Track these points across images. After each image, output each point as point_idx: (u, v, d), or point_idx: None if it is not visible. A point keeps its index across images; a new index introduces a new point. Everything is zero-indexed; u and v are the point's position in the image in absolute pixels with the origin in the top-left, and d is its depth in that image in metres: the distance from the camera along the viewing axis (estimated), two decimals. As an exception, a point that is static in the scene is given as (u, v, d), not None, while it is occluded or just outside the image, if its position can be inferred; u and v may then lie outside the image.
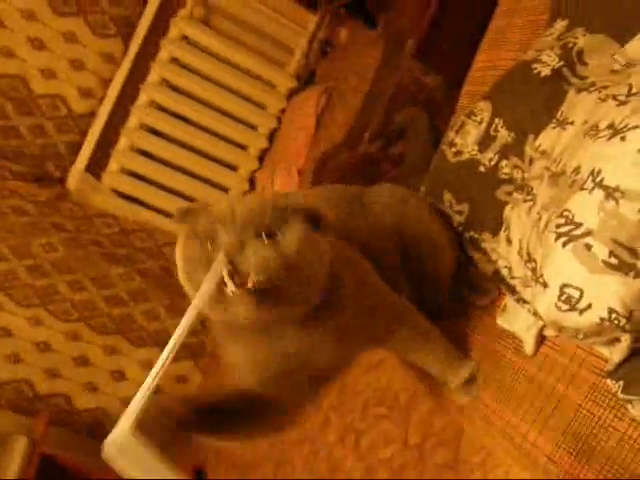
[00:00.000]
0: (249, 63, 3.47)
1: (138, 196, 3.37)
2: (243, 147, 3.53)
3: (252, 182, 3.55)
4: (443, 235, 1.11)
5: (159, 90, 3.34)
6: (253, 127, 3.53)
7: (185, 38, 3.37)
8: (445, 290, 1.13)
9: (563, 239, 0.73)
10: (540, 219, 0.83)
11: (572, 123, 0.88)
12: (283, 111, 3.55)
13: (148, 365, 3.52)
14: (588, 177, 0.73)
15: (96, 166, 3.34)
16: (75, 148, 3.33)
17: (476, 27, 1.36)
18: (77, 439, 3.33)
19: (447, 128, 1.42)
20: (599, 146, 0.74)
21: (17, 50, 3.11)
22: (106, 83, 3.32)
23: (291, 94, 3.56)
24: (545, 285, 0.76)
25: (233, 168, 3.53)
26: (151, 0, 3.28)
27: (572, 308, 0.73)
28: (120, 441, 0.54)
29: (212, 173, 3.47)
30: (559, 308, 0.74)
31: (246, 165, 3.52)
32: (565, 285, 0.73)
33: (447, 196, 1.13)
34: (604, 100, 0.85)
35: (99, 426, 3.38)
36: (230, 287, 0.75)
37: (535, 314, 0.88)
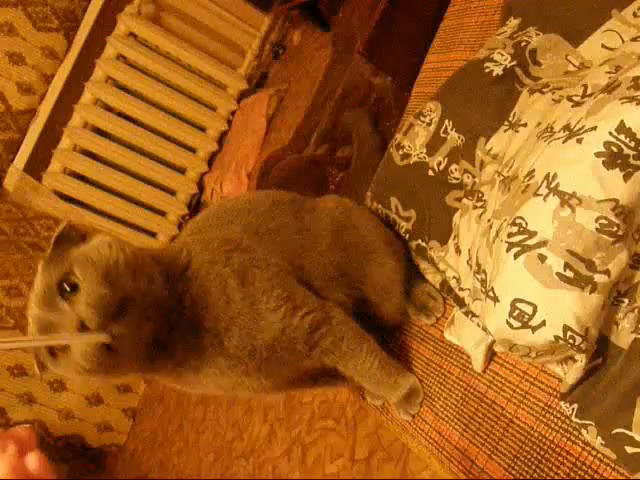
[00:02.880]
0: (199, 63, 3.38)
1: (80, 198, 3.23)
2: (192, 149, 3.43)
3: (201, 185, 3.45)
4: (384, 242, 1.05)
5: (104, 88, 3.21)
6: (202, 129, 3.44)
7: (132, 35, 3.25)
8: (397, 300, 1.06)
9: (515, 249, 0.67)
10: (491, 227, 0.77)
11: (525, 125, 0.83)
12: (233, 113, 3.47)
13: (89, 375, 3.38)
14: (542, 182, 0.67)
15: (36, 166, 3.19)
16: (14, 147, 3.17)
17: (427, 27, 1.31)
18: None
19: (395, 131, 1.36)
20: (554, 149, 0.69)
21: (-50, 42, 2.95)
22: (47, 79, 3.17)
23: (242, 96, 3.48)
24: (495, 300, 0.69)
25: (181, 171, 3.43)
26: (97, -6, 3.15)
27: (524, 325, 0.67)
28: None
29: (159, 176, 3.36)
30: (510, 325, 0.68)
31: (195, 168, 3.43)
32: (517, 300, 0.67)
33: (394, 201, 1.06)
34: (558, 101, 0.80)
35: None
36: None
37: (485, 329, 0.82)
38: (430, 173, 1.00)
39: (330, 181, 1.44)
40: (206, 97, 3.41)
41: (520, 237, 0.67)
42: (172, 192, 3.41)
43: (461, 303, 0.90)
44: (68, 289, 0.74)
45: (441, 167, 0.99)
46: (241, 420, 2.44)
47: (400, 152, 1.05)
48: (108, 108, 3.26)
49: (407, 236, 1.05)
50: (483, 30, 1.19)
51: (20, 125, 3.18)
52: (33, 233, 3.28)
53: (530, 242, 0.66)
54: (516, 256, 0.67)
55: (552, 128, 0.73)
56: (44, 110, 3.16)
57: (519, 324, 0.67)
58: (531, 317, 0.66)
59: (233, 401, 2.54)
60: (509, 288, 0.68)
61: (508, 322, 0.68)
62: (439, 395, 0.95)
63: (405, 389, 1.00)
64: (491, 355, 0.88)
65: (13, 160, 3.16)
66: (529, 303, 0.66)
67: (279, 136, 3.11)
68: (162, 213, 3.40)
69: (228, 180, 3.11)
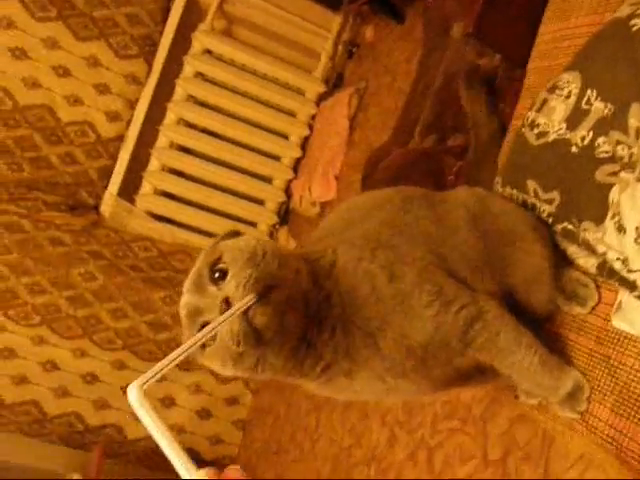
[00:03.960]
0: (275, 71, 3.38)
1: (173, 217, 3.30)
2: (276, 158, 3.44)
3: (288, 192, 3.45)
4: (528, 228, 0.98)
5: (186, 107, 3.27)
6: (285, 136, 3.44)
7: (208, 52, 3.30)
8: (547, 289, 0.98)
9: None
10: (673, 198, 0.69)
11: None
12: (314, 117, 3.45)
13: (197, 389, 3.44)
14: None
15: (129, 190, 3.29)
16: (106, 173, 3.28)
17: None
18: (133, 469, 3.26)
19: (512, 111, 1.28)
20: None
21: (41, 79, 3.07)
22: (132, 105, 3.26)
23: (320, 99, 3.46)
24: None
25: (268, 180, 3.44)
26: (171, 16, 3.21)
27: None
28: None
29: (247, 187, 3.38)
30: None
31: (281, 176, 3.43)
32: None
33: (531, 184, 0.99)
34: None
35: (152, 454, 3.29)
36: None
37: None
38: (573, 150, 0.92)
39: (447, 172, 1.37)
40: (285, 104, 3.41)
41: None
42: (261, 202, 3.43)
43: (631, 286, 0.82)
44: (217, 274, 0.75)
45: (586, 142, 0.91)
46: (357, 426, 2.40)
47: (535, 131, 0.98)
48: (191, 126, 3.32)
49: (550, 220, 0.97)
50: (606, -11, 1.09)
51: (111, 152, 3.28)
52: (132, 255, 3.37)
53: None
54: None
55: None
56: (132, 135, 3.25)
57: None
58: None
59: (347, 407, 2.51)
60: None
61: None
62: (612, 389, 0.87)
63: (569, 386, 0.93)
64: (674, 341, 0.80)
65: (107, 186, 3.26)
66: None
67: (364, 135, 3.06)
68: (253, 224, 3.42)
69: (316, 184, 3.09)
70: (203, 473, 0.40)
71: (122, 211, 3.31)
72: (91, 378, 3.28)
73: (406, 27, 3.03)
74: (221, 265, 0.75)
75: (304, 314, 0.78)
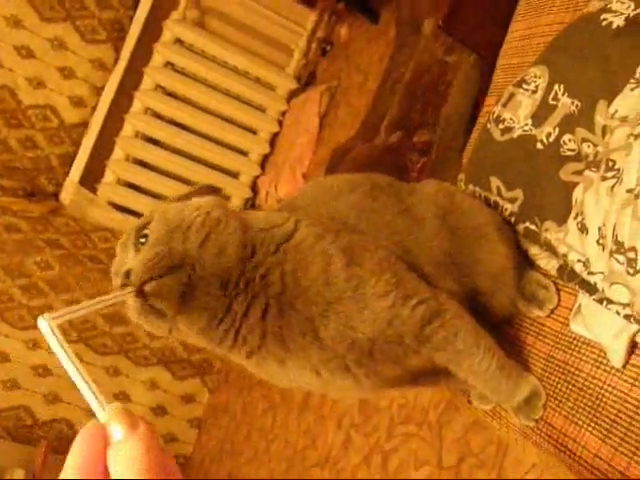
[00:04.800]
0: (247, 65, 3.33)
1: (136, 208, 3.20)
2: (244, 153, 3.38)
3: (254, 189, 3.39)
4: (492, 227, 0.94)
5: (154, 96, 3.19)
6: (253, 132, 3.38)
7: (179, 41, 3.22)
8: (509, 290, 0.95)
9: (688, 217, 0.56)
10: (637, 197, 0.66)
11: (666, 77, 0.72)
12: (284, 114, 3.40)
13: (153, 385, 3.35)
14: None
15: (91, 178, 3.19)
16: (68, 160, 3.18)
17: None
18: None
19: (479, 109, 1.26)
20: None
21: (3, 59, 2.96)
22: (98, 91, 3.17)
23: (291, 96, 3.41)
24: (665, 279, 0.59)
25: (234, 175, 3.38)
26: (143, 2, 3.13)
27: None
28: None
29: (213, 182, 3.29)
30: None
31: (248, 171, 3.37)
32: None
33: (494, 182, 0.95)
34: None
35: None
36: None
37: (631, 317, 0.71)
38: (539, 146, 0.89)
39: (411, 168, 1.34)
40: (255, 99, 3.36)
41: (694, 202, 0.56)
42: (226, 198, 3.37)
43: (591, 289, 0.79)
44: (142, 240, 0.74)
45: (551, 139, 0.88)
46: (313, 427, 2.36)
47: (500, 126, 0.94)
48: (158, 116, 3.24)
49: (513, 219, 0.94)
50: (578, -12, 1.07)
51: (73, 138, 3.19)
52: (91, 245, 3.28)
53: None
54: (691, 225, 0.56)
55: None
56: (96, 122, 3.16)
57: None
58: None
59: (303, 408, 2.46)
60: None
61: (685, 305, 0.57)
62: (567, 396, 0.84)
63: (526, 392, 0.89)
64: (632, 347, 0.77)
65: (68, 173, 3.16)
66: None
67: (333, 133, 3.03)
68: (217, 219, 3.36)
69: (283, 181, 3.04)
70: (115, 406, 0.38)
71: (83, 200, 3.21)
72: (43, 371, 3.18)
73: (380, 28, 3.01)
74: (146, 231, 0.74)
75: (224, 293, 0.74)
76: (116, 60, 3.17)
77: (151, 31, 3.18)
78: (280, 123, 3.40)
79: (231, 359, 0.83)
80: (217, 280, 0.73)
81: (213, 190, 0.84)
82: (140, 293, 0.69)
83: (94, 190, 3.18)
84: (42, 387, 3.17)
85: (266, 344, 0.77)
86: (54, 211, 3.19)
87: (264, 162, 3.41)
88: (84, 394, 0.39)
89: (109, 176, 3.18)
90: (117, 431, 0.36)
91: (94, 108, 3.17)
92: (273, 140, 3.41)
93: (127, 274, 0.70)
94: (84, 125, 3.19)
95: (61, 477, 0.36)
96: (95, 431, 0.37)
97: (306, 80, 3.49)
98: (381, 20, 3.02)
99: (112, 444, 0.36)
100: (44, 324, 0.40)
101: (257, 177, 3.38)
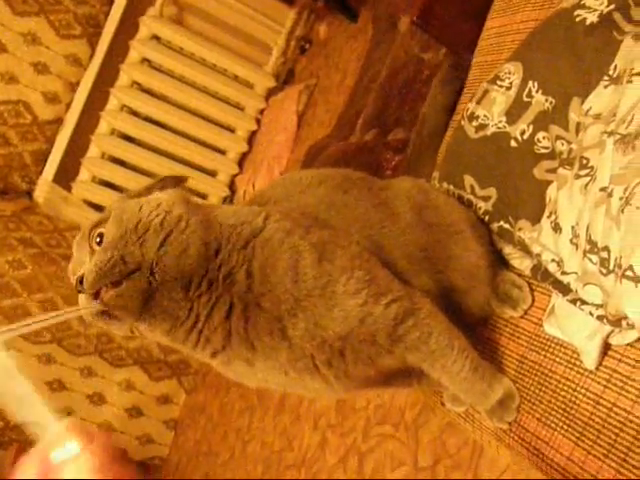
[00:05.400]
0: (225, 63, 3.29)
1: (111, 206, 3.15)
2: (222, 151, 3.35)
3: (232, 187, 3.36)
4: (466, 225, 0.93)
5: (130, 93, 3.14)
6: (231, 130, 3.35)
7: (156, 38, 3.18)
8: (484, 288, 0.94)
9: (663, 216, 0.55)
10: (610, 195, 0.64)
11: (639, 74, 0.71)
12: (262, 112, 3.38)
13: (129, 386, 3.30)
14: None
15: (65, 176, 3.13)
16: (42, 157, 3.12)
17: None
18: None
19: (455, 106, 1.24)
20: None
21: (-26, 54, 2.89)
22: (73, 87, 3.11)
23: (270, 94, 3.39)
24: (637, 280, 0.57)
25: (212, 174, 3.35)
26: (118, -2, 3.08)
27: (681, 309, 0.54)
28: None
29: (190, 180, 3.26)
30: (662, 310, 0.56)
31: (226, 170, 3.34)
32: (669, 277, 0.55)
33: (468, 180, 0.94)
34: (682, 42, 0.67)
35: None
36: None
37: (604, 319, 0.70)
38: (513, 144, 0.88)
39: (386, 166, 1.32)
40: (233, 97, 3.33)
41: (667, 200, 0.55)
42: (204, 196, 3.33)
43: (565, 289, 0.78)
44: (97, 239, 0.71)
45: (525, 136, 0.86)
46: (289, 428, 2.33)
47: (474, 123, 0.93)
48: (135, 113, 3.20)
49: (487, 218, 0.92)
50: (554, -16, 1.06)
51: (47, 135, 3.12)
52: (65, 244, 3.21)
53: (682, 205, 0.54)
54: (664, 224, 0.55)
55: (685, 70, 0.61)
56: (71, 119, 3.10)
57: (673, 308, 0.55)
58: (690, 299, 0.54)
59: (280, 409, 2.44)
60: (657, 264, 0.56)
61: (658, 306, 0.56)
62: (541, 398, 0.83)
63: (499, 394, 0.88)
64: (605, 349, 0.76)
65: (42, 171, 3.11)
66: (686, 281, 0.54)
67: (311, 132, 3.01)
68: (194, 218, 3.32)
69: (261, 180, 3.01)
70: (69, 420, 0.39)
71: (57, 198, 3.15)
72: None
73: (359, 26, 3.00)
74: (101, 230, 0.71)
75: (185, 295, 0.71)
76: (91, 56, 3.11)
77: (128, 27, 3.13)
78: (258, 121, 3.37)
79: (198, 358, 0.81)
80: (178, 283, 0.71)
81: (178, 181, 0.81)
82: (99, 300, 0.68)
83: (69, 188, 3.13)
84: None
85: (231, 344, 0.75)
86: (27, 209, 3.13)
87: (242, 160, 3.38)
88: (34, 411, 0.37)
89: (84, 174, 3.13)
90: (73, 445, 0.38)
91: (69, 104, 3.11)
92: (251, 138, 3.38)
93: (80, 280, 0.68)
94: (58, 122, 3.13)
95: None
96: (39, 454, 0.38)
97: (285, 78, 3.47)
98: (360, 19, 3.01)
99: (68, 458, 0.37)
100: None
101: (235, 176, 3.35)
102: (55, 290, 3.15)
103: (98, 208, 3.13)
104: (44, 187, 3.11)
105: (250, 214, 0.79)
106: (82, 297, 0.70)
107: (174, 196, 0.76)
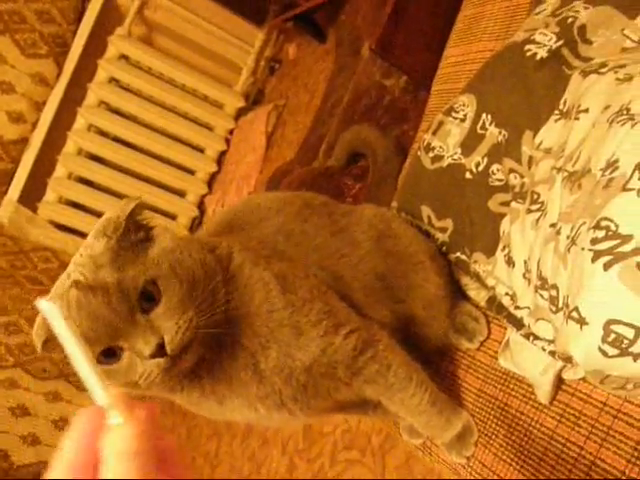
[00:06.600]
0: (194, 83, 3.28)
1: (78, 227, 3.10)
2: (191, 171, 3.32)
3: (201, 208, 3.33)
4: (426, 256, 0.93)
5: (98, 113, 3.11)
6: (200, 150, 3.33)
7: (124, 57, 3.15)
8: (443, 318, 0.93)
9: (605, 259, 0.54)
10: (558, 233, 0.64)
11: (586, 111, 0.71)
12: (231, 132, 3.36)
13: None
14: (633, 174, 0.55)
15: (31, 196, 3.07)
16: (7, 178, 3.06)
17: (443, 19, 1.20)
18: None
19: (415, 134, 1.24)
20: (641, 133, 0.57)
21: (-64, 73, 2.84)
22: (39, 107, 3.07)
23: (239, 114, 3.38)
24: (582, 322, 0.57)
25: (180, 194, 3.32)
26: (86, 17, 3.05)
27: (623, 352, 0.54)
28: None
29: (158, 200, 3.24)
30: (604, 353, 0.55)
31: (195, 190, 3.31)
32: (612, 321, 0.54)
33: (425, 211, 0.94)
34: (627, 80, 0.67)
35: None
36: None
37: (556, 354, 0.69)
38: (468, 176, 0.88)
39: (346, 193, 1.32)
40: (203, 117, 3.31)
41: (609, 243, 0.54)
42: (173, 216, 3.30)
43: (518, 324, 0.77)
44: (148, 301, 0.65)
45: (480, 168, 0.86)
46: (258, 453, 2.30)
47: (430, 154, 0.93)
48: (102, 133, 3.16)
49: (444, 248, 0.92)
50: (509, 16, 1.07)
51: (12, 155, 3.07)
52: (30, 266, 3.16)
53: (624, 249, 0.54)
54: (607, 267, 0.54)
55: (629, 110, 0.61)
56: (37, 139, 3.05)
57: (616, 351, 0.54)
58: (632, 342, 0.53)
59: (248, 434, 2.40)
60: (600, 307, 0.55)
61: (601, 349, 0.55)
62: (497, 432, 0.82)
63: (457, 428, 0.87)
64: (558, 383, 0.75)
65: (7, 192, 3.05)
66: (628, 325, 0.53)
67: (280, 152, 3.00)
68: (163, 238, 3.28)
69: (230, 200, 3.00)
70: (116, 391, 0.39)
71: (22, 219, 3.09)
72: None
73: (327, 47, 3.01)
74: (152, 289, 0.65)
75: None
76: (58, 75, 3.08)
77: (95, 46, 3.10)
78: (228, 141, 3.36)
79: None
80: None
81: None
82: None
83: (34, 209, 3.07)
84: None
85: (212, 384, 0.74)
86: (-9, 230, 3.07)
87: (211, 181, 3.36)
88: (85, 377, 0.38)
89: (50, 194, 3.08)
90: (115, 415, 0.37)
91: (35, 124, 3.07)
92: (220, 158, 3.36)
93: (161, 346, 0.64)
94: (24, 141, 3.08)
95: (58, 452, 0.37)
96: (94, 412, 0.38)
97: (254, 98, 3.47)
98: (329, 39, 3.02)
99: (108, 427, 0.37)
100: (46, 306, 0.39)
101: (204, 196, 3.33)
102: (19, 313, 3.09)
103: (64, 229, 3.08)
104: (9, 207, 3.05)
105: (215, 243, 0.78)
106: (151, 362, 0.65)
107: (177, 238, 0.72)
